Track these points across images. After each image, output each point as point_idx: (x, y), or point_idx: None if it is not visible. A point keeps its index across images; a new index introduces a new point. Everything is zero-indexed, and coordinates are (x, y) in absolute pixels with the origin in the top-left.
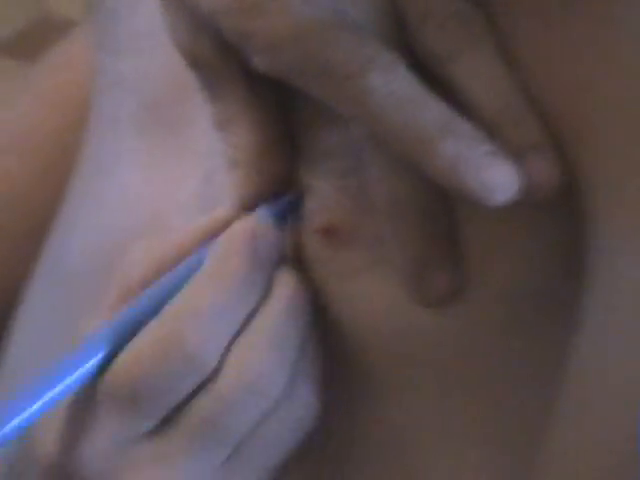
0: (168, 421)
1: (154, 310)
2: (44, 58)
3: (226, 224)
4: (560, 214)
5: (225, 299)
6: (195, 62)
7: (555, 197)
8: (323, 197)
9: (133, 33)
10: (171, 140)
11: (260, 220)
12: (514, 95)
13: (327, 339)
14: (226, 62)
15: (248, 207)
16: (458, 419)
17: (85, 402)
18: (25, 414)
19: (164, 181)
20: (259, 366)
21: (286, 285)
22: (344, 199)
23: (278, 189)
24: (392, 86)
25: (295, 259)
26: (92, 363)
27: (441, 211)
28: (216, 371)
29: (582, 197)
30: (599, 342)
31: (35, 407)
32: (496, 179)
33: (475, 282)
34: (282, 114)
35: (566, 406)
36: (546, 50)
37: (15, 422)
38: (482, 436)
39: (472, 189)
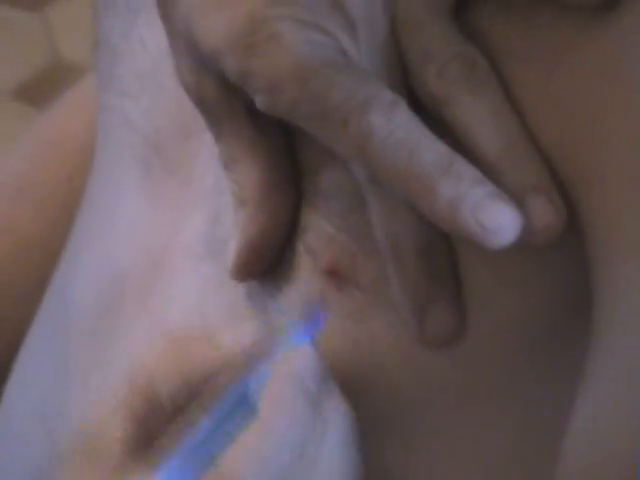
0: None
1: (211, 442)
2: (55, 103)
3: (259, 347)
4: (569, 248)
5: (288, 452)
6: (200, 101)
7: (560, 237)
8: (326, 237)
9: (137, 73)
10: (176, 178)
11: (299, 352)
12: (516, 138)
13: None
14: (230, 102)
15: (254, 247)
16: (467, 445)
17: None
18: None
19: (168, 219)
20: None
21: (341, 422)
22: (346, 240)
23: (283, 229)
24: (392, 126)
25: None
26: None
27: (442, 250)
28: None
29: (588, 236)
30: (611, 366)
31: None
32: (497, 222)
33: (481, 318)
34: (288, 153)
35: (579, 435)
36: (549, 94)
37: None
38: (495, 469)
39: (472, 231)
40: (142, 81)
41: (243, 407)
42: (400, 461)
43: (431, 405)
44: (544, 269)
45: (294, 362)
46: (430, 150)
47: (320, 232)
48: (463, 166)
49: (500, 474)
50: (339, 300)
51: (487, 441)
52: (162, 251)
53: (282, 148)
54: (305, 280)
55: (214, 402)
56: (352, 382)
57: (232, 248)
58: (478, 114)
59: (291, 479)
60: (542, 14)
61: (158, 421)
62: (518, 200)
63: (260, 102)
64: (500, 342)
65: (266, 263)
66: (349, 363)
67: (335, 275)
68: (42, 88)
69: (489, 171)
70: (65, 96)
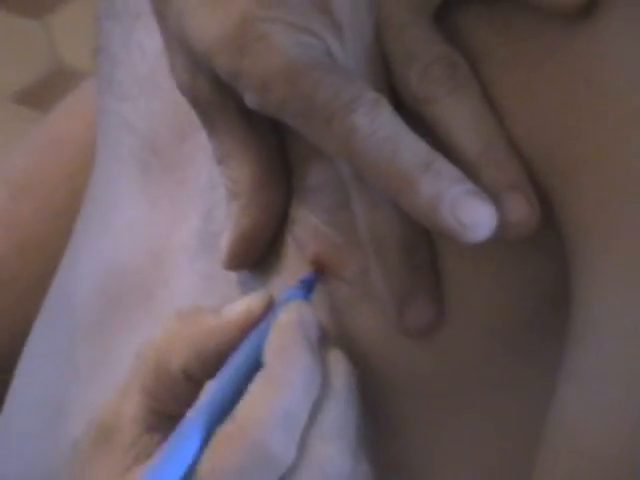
0: None
1: (226, 401)
2: (56, 107)
3: (263, 307)
4: (548, 245)
5: (297, 397)
6: (194, 100)
7: (540, 234)
8: (313, 230)
9: (135, 77)
10: (172, 176)
11: (296, 303)
12: (494, 137)
13: None
14: (223, 100)
15: (246, 239)
16: (448, 434)
17: None
18: None
19: (165, 217)
20: (333, 456)
21: (343, 375)
22: (332, 233)
23: (273, 221)
24: (375, 125)
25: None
26: (188, 459)
27: (422, 244)
28: (293, 465)
29: (565, 234)
30: (583, 368)
31: None
32: (474, 218)
33: (460, 310)
34: (278, 150)
35: (556, 431)
36: (528, 97)
37: None
38: (473, 452)
39: (450, 227)
40: (140, 85)
41: (251, 362)
42: (383, 445)
43: (412, 393)
44: (523, 264)
45: (293, 314)
46: (411, 149)
47: (307, 225)
48: (443, 164)
49: (477, 458)
50: (324, 291)
51: (465, 427)
52: (160, 248)
53: (273, 145)
54: (293, 270)
55: (223, 364)
56: None
57: (225, 239)
58: (458, 114)
59: (300, 421)
60: (522, 19)
61: (171, 393)
62: (495, 196)
63: (250, 100)
64: (478, 333)
65: (257, 254)
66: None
67: (321, 266)
68: (44, 92)
69: (468, 169)
70: (66, 100)
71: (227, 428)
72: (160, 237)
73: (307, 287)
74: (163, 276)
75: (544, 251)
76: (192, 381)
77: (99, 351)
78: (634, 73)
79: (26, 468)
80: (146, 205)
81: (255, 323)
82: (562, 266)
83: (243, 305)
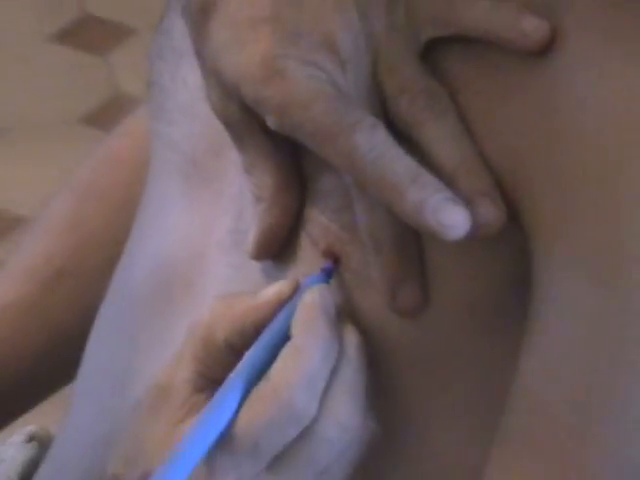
0: (276, 459)
1: (260, 366)
2: (116, 128)
3: (291, 290)
4: (516, 241)
5: (319, 363)
6: (226, 122)
7: (507, 230)
8: (323, 228)
9: (179, 106)
10: (209, 186)
11: (318, 287)
12: (468, 154)
13: None
14: (249, 121)
15: (269, 234)
16: (437, 403)
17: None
18: (182, 462)
19: (204, 219)
20: (349, 411)
21: (355, 345)
22: (339, 230)
23: (291, 220)
24: (372, 144)
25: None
26: (229, 414)
27: (411, 241)
28: (315, 419)
29: (528, 233)
30: (546, 343)
31: (194, 451)
32: (452, 220)
33: (442, 294)
34: (295, 162)
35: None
36: (500, 123)
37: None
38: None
39: (432, 227)
40: (183, 112)
41: (281, 335)
42: (382, 408)
43: (406, 363)
44: (494, 259)
45: (316, 295)
46: (401, 164)
47: (319, 223)
48: (427, 177)
49: (463, 423)
50: (336, 277)
51: (452, 397)
52: (200, 244)
53: (290, 158)
54: (308, 261)
55: (258, 338)
56: None
57: (252, 235)
58: (439, 135)
59: (320, 382)
60: (494, 55)
61: (217, 361)
62: (469, 201)
63: (271, 122)
64: (460, 312)
65: (278, 246)
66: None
67: (332, 258)
68: (106, 116)
69: (447, 179)
70: (123, 123)
71: (261, 389)
72: (200, 235)
73: (327, 274)
74: (202, 267)
75: (511, 244)
76: (234, 350)
77: (153, 330)
78: (582, 100)
79: (96, 421)
80: (188, 209)
81: (285, 303)
82: (525, 256)
83: (275, 288)
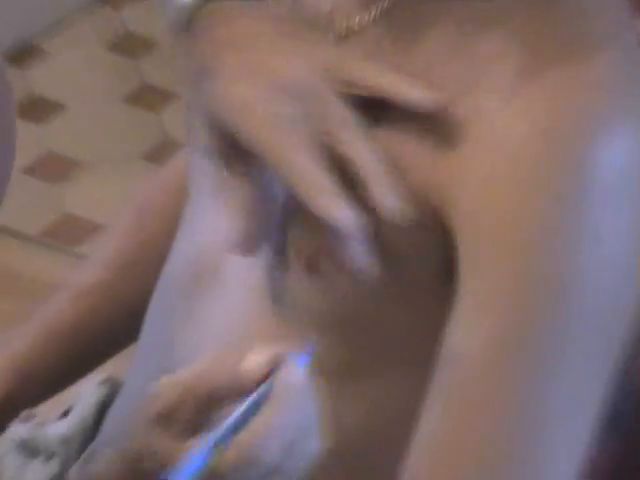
0: None
1: (240, 422)
2: (167, 164)
3: (272, 361)
4: (439, 231)
5: (285, 424)
6: (209, 151)
7: (431, 231)
8: (303, 242)
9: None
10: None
11: (293, 366)
12: (380, 169)
13: None
14: (228, 149)
15: (248, 237)
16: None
17: None
18: None
19: (218, 224)
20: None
21: (312, 389)
22: (313, 243)
23: (265, 231)
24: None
25: None
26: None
27: (369, 224)
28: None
29: (452, 226)
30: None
31: None
32: (341, 216)
33: (391, 268)
34: (268, 185)
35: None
36: (424, 160)
37: None
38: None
39: (333, 220)
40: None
41: (257, 405)
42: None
43: (359, 341)
44: (424, 243)
45: (292, 376)
46: (318, 180)
47: (299, 239)
48: (331, 187)
49: (406, 399)
50: (310, 279)
51: (397, 375)
52: (224, 239)
53: (261, 180)
54: (293, 266)
55: (243, 401)
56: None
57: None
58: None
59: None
60: (412, 137)
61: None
62: (378, 197)
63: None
64: (393, 282)
65: (258, 243)
66: (310, 313)
67: (307, 263)
68: (159, 155)
69: (363, 184)
70: (171, 160)
71: (238, 438)
72: (223, 233)
73: (304, 357)
74: (226, 257)
75: (435, 234)
76: (205, 409)
77: (187, 307)
78: (485, 143)
79: (149, 370)
80: (215, 214)
81: (262, 379)
82: (452, 250)
83: (256, 362)
